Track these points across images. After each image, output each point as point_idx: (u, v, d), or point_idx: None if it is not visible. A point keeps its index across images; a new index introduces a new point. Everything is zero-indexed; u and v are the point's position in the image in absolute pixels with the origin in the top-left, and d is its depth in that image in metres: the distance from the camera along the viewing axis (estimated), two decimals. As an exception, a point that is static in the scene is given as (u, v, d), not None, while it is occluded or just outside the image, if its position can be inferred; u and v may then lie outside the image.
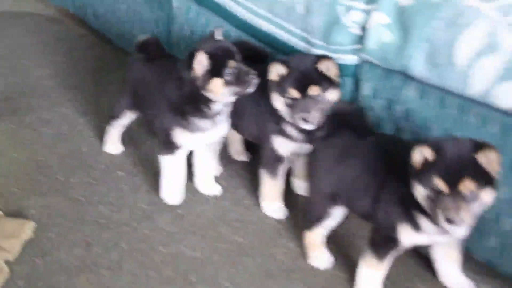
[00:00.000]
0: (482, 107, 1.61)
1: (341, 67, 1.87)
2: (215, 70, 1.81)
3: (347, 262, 1.87)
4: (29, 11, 3.75)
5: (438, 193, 1.42)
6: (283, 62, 1.83)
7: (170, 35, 2.72)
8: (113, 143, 2.38)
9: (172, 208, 2.08)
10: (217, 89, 1.82)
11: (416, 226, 1.57)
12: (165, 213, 2.06)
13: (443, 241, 1.66)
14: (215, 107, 1.90)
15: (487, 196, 1.41)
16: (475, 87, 1.58)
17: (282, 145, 1.98)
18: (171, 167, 2.06)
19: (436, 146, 1.45)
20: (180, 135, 1.98)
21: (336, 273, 1.83)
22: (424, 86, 1.74)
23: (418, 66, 1.69)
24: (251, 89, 1.85)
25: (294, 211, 2.08)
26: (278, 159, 2.01)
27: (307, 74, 1.80)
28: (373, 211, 1.69)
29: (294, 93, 1.80)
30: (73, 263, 1.80)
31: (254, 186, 2.17)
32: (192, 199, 2.14)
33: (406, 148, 1.53)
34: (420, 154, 1.46)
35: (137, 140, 2.45)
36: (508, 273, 1.71)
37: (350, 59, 1.91)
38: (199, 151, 2.13)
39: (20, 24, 3.55)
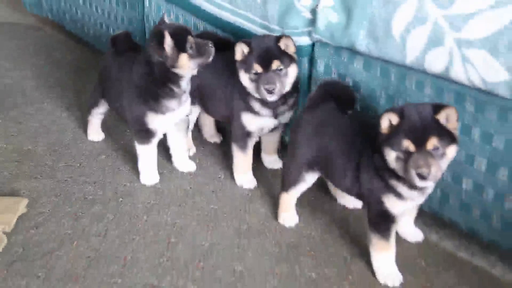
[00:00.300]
0: (418, 73, 1.85)
1: (297, 49, 2.10)
2: (179, 46, 2.00)
3: (309, 221, 2.09)
4: (10, 21, 3.93)
5: (407, 153, 1.56)
6: (247, 43, 2.04)
7: (145, 33, 2.94)
8: (94, 131, 2.58)
9: (152, 184, 2.29)
10: (184, 63, 2.02)
11: (398, 195, 1.70)
12: (146, 188, 2.26)
13: (421, 202, 1.81)
14: (183, 83, 2.10)
15: (451, 152, 1.59)
16: (410, 56, 1.82)
17: (250, 121, 2.19)
18: (146, 154, 2.26)
19: (400, 112, 1.59)
20: (153, 119, 2.16)
21: (300, 230, 2.04)
22: (368, 59, 1.98)
23: (362, 42, 1.93)
24: (210, 58, 2.07)
25: (263, 182, 2.30)
26: (247, 134, 2.22)
27: (269, 51, 2.01)
28: (355, 187, 1.83)
29: (258, 68, 2.01)
30: (64, 232, 1.98)
31: (226, 163, 2.38)
32: (170, 176, 2.35)
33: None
34: (387, 120, 1.61)
35: (117, 129, 2.65)
36: (452, 221, 1.94)
37: (305, 41, 2.14)
38: (171, 133, 2.32)
39: (1, 33, 3.72)
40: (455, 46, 1.69)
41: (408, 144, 1.55)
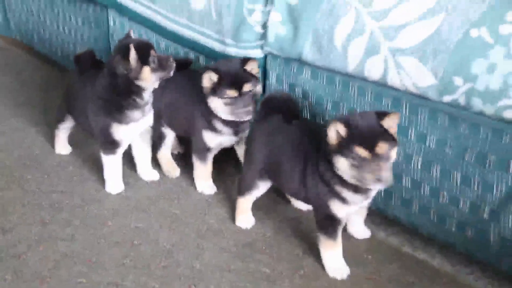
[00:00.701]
0: (359, 80, 2.00)
1: (251, 61, 2.25)
2: (143, 60, 2.11)
3: (264, 222, 2.22)
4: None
5: (361, 159, 1.65)
6: (214, 70, 2.15)
7: (110, 50, 3.05)
8: (61, 145, 2.67)
9: (117, 192, 2.40)
10: (147, 76, 2.13)
11: (343, 200, 1.80)
12: (112, 196, 2.36)
13: (366, 205, 1.98)
14: (145, 95, 2.21)
15: (394, 154, 1.71)
16: (351, 64, 1.97)
17: (211, 138, 2.32)
18: (112, 164, 2.36)
19: (346, 121, 1.68)
20: (118, 130, 2.26)
21: (255, 230, 2.17)
22: (315, 69, 2.12)
23: (308, 53, 2.08)
24: (171, 73, 2.19)
25: (222, 188, 2.42)
26: (207, 149, 2.35)
27: (239, 75, 2.14)
28: (302, 192, 1.93)
29: (232, 93, 2.12)
30: (32, 237, 2.07)
31: (188, 172, 2.49)
32: (135, 184, 2.45)
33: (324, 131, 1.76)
34: (334, 130, 1.69)
35: (84, 141, 2.74)
36: (396, 217, 2.08)
37: (257, 53, 2.29)
38: (135, 143, 2.43)
39: (-32, 55, 3.81)
40: (389, 54, 1.85)
41: (361, 151, 1.64)
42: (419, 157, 1.92)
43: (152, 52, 2.15)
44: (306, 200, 1.99)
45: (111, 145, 2.30)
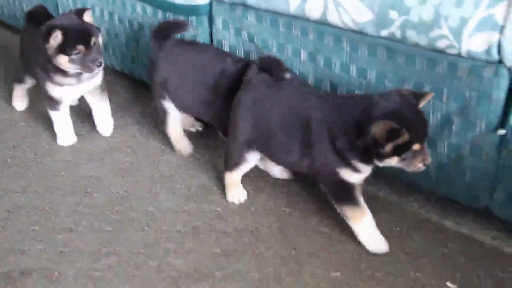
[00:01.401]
0: (301, 21, 2.02)
1: (197, 8, 2.25)
2: (62, 48, 2.06)
3: (219, 164, 2.23)
4: None
5: (413, 152, 1.61)
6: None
7: (58, 8, 3.01)
8: (19, 100, 2.66)
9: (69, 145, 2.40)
10: (63, 64, 2.10)
11: (355, 169, 1.73)
12: (65, 148, 2.37)
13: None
14: (69, 72, 2.17)
15: None
16: (293, 5, 1.98)
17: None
18: (58, 118, 2.34)
19: (395, 116, 1.58)
20: (52, 89, 2.24)
21: (209, 173, 2.21)
22: (259, 12, 2.13)
23: (251, -5, 2.09)
24: (91, 73, 2.17)
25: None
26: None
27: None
28: (304, 162, 1.82)
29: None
30: (-18, 190, 2.09)
31: (143, 124, 2.50)
32: (88, 137, 2.46)
33: (323, 101, 1.75)
34: (384, 129, 1.56)
35: (37, 97, 2.71)
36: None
37: (202, 0, 2.29)
38: (89, 100, 2.39)
39: None
40: (328, -8, 1.87)
41: (416, 147, 1.61)
42: (361, 92, 1.96)
43: (80, 47, 2.07)
44: (308, 170, 1.87)
45: (51, 101, 2.28)
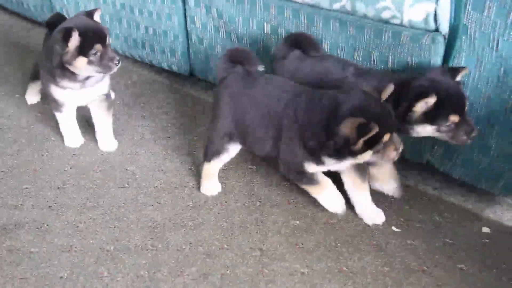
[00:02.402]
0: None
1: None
2: (82, 49, 1.90)
3: (197, 125, 2.32)
4: None
5: (384, 143, 1.57)
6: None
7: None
8: (32, 94, 2.56)
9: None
10: (81, 66, 1.93)
11: (319, 162, 1.68)
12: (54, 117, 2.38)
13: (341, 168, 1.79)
14: (79, 77, 2.01)
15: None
16: (256, -18, 2.05)
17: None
18: (62, 120, 2.22)
19: (361, 112, 1.53)
20: (54, 91, 2.09)
21: (186, 137, 2.27)
22: (227, -10, 2.19)
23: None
24: (109, 73, 2.00)
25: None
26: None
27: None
28: (273, 153, 1.79)
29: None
30: (-20, 155, 2.16)
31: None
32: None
33: (304, 95, 1.69)
34: (353, 126, 1.52)
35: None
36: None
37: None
38: (91, 109, 2.21)
39: None
40: (286, -31, 1.93)
41: (386, 138, 1.56)
42: None
43: (98, 46, 1.92)
44: (271, 157, 1.85)
45: (54, 102, 2.16)
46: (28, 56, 2.94)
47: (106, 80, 2.13)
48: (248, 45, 2.23)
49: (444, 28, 1.72)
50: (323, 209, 1.85)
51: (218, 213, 1.86)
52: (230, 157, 1.94)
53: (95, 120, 2.22)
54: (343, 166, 1.74)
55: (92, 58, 1.91)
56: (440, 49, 1.73)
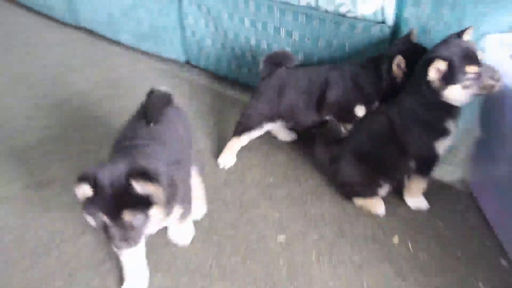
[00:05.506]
0: (245, -4, 2.08)
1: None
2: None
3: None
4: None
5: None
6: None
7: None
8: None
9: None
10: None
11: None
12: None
13: None
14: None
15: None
16: (238, -17, 2.04)
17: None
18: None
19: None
20: None
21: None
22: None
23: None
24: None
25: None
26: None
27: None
28: (315, 123, 1.80)
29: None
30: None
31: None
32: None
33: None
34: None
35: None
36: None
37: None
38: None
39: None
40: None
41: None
42: (288, 48, 2.03)
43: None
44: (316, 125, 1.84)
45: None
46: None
47: None
48: (232, 37, 2.22)
49: (390, 20, 1.74)
50: (293, 167, 1.87)
51: (205, 174, 1.82)
52: (258, 135, 1.88)
53: None
54: None
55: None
56: (387, 36, 1.76)
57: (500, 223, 1.55)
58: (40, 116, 2.24)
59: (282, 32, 2.02)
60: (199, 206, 1.64)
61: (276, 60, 1.81)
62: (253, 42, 2.15)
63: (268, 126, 1.87)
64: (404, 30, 1.70)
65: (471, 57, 1.40)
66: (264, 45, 2.12)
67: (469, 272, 1.44)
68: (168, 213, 1.22)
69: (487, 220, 1.62)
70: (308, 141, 1.91)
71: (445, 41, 1.46)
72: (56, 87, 2.49)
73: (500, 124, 1.48)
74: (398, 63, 1.58)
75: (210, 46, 2.33)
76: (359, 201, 1.68)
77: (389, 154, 1.58)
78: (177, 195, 1.26)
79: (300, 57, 2.01)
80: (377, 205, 1.66)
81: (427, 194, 1.68)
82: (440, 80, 1.42)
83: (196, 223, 1.62)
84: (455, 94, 1.43)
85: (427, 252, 1.51)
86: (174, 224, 1.45)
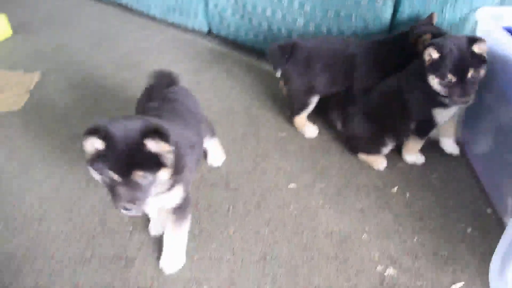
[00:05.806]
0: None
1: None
2: None
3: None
4: None
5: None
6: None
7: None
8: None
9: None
10: None
11: None
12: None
13: None
14: None
15: (483, 73, 1.46)
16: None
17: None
18: None
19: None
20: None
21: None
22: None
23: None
24: None
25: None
26: None
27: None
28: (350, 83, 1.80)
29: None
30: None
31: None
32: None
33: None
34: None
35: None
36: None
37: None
38: None
39: None
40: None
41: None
42: (301, 18, 2.12)
43: None
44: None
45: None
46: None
47: None
48: (250, 9, 2.30)
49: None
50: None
51: (225, 129, 1.96)
52: (312, 107, 1.90)
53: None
54: None
55: None
56: (390, 9, 1.84)
57: (487, 177, 1.65)
58: (78, 79, 2.40)
59: (296, 4, 2.11)
60: (218, 155, 1.77)
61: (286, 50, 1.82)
62: (269, 13, 2.24)
63: (315, 98, 1.87)
64: (406, 2, 1.76)
65: (458, 66, 1.41)
66: (279, 16, 2.20)
67: (459, 219, 1.54)
68: (171, 183, 1.14)
69: (476, 174, 1.72)
70: (320, 102, 1.98)
71: (456, 36, 1.48)
72: (93, 54, 2.65)
73: (491, 88, 1.56)
74: (425, 41, 1.57)
75: (230, 16, 2.42)
76: (363, 156, 1.78)
77: (396, 115, 1.66)
78: (182, 172, 1.16)
79: (311, 28, 2.10)
80: (379, 162, 1.76)
81: (424, 150, 1.78)
82: (429, 65, 1.48)
83: (215, 171, 1.75)
84: (434, 83, 1.49)
85: (422, 201, 1.61)
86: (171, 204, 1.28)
